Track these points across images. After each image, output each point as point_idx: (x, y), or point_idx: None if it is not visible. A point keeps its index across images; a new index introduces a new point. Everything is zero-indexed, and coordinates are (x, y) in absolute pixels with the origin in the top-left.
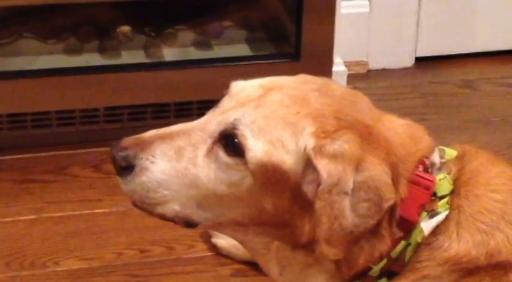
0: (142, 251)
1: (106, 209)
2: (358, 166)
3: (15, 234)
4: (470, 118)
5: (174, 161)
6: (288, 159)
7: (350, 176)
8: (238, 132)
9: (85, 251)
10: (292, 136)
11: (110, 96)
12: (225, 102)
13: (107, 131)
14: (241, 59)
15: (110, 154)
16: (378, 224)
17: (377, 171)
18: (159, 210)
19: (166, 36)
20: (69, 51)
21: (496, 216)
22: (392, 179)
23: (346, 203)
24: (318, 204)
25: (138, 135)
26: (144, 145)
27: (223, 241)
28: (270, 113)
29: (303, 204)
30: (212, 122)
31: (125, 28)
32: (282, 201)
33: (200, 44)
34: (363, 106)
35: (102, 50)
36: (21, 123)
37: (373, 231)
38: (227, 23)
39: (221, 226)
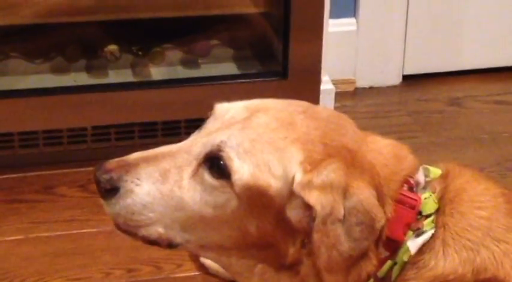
0: (130, 271)
1: (93, 228)
2: (346, 193)
3: (2, 254)
4: (457, 135)
5: (159, 184)
6: (274, 184)
7: (340, 204)
8: (224, 154)
9: (72, 271)
10: (280, 161)
11: (97, 115)
12: (210, 124)
13: (94, 150)
14: (229, 78)
15: (94, 177)
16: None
17: (365, 195)
18: (143, 232)
19: (153, 55)
20: (57, 70)
21: (481, 232)
22: (378, 201)
23: (341, 229)
24: (315, 237)
25: (122, 158)
26: (129, 167)
27: (211, 261)
28: (256, 136)
29: (286, 228)
30: (197, 144)
31: (112, 47)
32: (265, 224)
33: (187, 63)
34: (347, 129)
35: (89, 69)
36: (8, 143)
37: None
38: (214, 42)
39: (204, 249)
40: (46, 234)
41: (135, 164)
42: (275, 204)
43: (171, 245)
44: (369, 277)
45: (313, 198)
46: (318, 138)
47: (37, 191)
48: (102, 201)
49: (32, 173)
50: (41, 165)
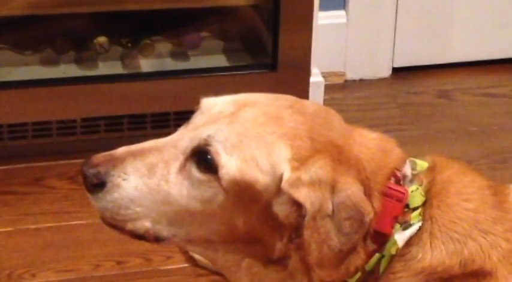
0: (119, 263)
1: (83, 220)
2: (334, 188)
3: None
4: (446, 128)
5: (146, 178)
6: (261, 179)
7: (329, 199)
8: (211, 148)
9: (62, 263)
10: (267, 157)
11: (87, 107)
12: (197, 118)
13: (83, 142)
14: (218, 70)
15: (80, 171)
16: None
17: (352, 189)
18: (130, 226)
19: (143, 47)
20: (46, 62)
21: (468, 224)
22: (365, 195)
23: (330, 225)
24: (306, 234)
25: (109, 152)
26: (116, 162)
27: (198, 255)
28: (243, 131)
29: (273, 223)
30: (184, 138)
31: (102, 39)
32: (253, 219)
33: (177, 55)
34: (334, 124)
35: (78, 61)
36: None
37: None
38: (204, 34)
39: (190, 243)
40: (35, 226)
41: (122, 159)
42: (262, 199)
43: (157, 239)
44: (356, 270)
45: (302, 195)
46: (305, 133)
47: (26, 182)
48: (88, 195)
49: (21, 165)
50: (30, 157)
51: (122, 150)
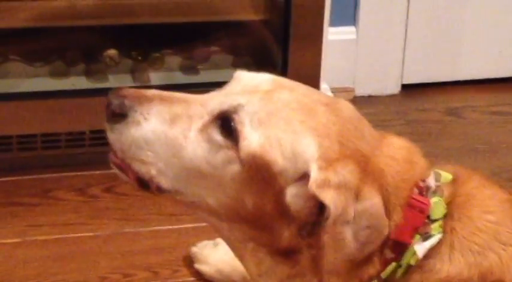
0: (126, 275)
1: (90, 232)
2: (357, 196)
3: None
4: (455, 145)
5: (167, 126)
6: (281, 162)
7: (351, 206)
8: (236, 117)
9: (69, 274)
10: (292, 143)
11: (96, 119)
12: (232, 86)
13: (92, 154)
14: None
15: (107, 98)
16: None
17: (376, 199)
18: (136, 167)
19: (153, 60)
20: (56, 74)
21: (488, 236)
22: (384, 208)
23: (349, 231)
24: (324, 237)
25: (139, 89)
26: (143, 100)
27: (207, 267)
28: (274, 110)
29: (283, 212)
30: (214, 100)
31: (112, 52)
32: (263, 202)
33: (187, 69)
34: (364, 133)
35: (88, 74)
36: (6, 146)
37: None
38: (214, 48)
39: (194, 206)
40: (43, 237)
41: (149, 99)
42: (276, 182)
43: (160, 190)
44: (371, 278)
45: (328, 197)
46: (335, 135)
47: (35, 194)
48: (105, 124)
49: (30, 176)
50: (39, 169)
51: (152, 91)
